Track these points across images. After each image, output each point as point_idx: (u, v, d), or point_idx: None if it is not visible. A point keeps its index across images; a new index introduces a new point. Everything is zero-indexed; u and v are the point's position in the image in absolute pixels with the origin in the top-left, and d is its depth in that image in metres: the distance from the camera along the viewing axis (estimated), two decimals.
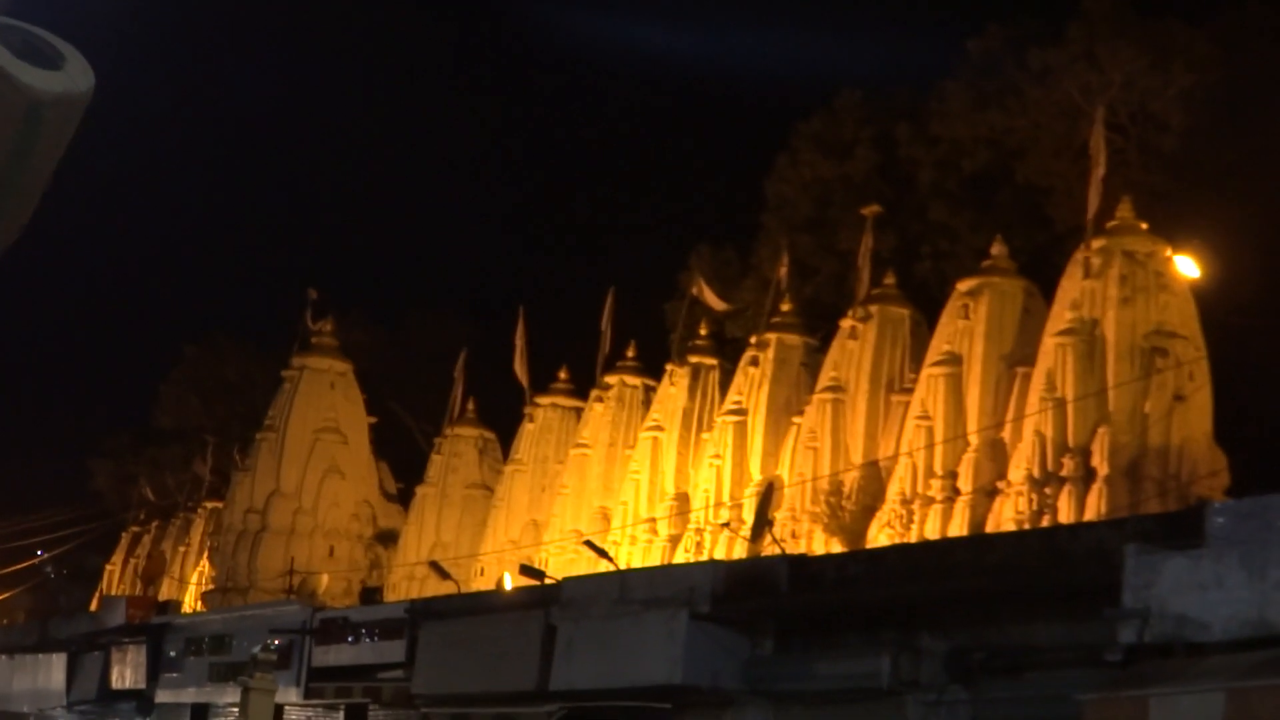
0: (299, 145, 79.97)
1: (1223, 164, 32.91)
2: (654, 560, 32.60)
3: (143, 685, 34.01)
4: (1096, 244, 27.27)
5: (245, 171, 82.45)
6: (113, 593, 52.59)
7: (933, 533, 27.42)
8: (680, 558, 31.78)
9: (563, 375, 39.64)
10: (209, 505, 50.51)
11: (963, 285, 29.55)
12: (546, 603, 23.15)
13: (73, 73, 5.89)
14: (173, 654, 33.33)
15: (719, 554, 30.44)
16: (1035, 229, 35.08)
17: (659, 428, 34.88)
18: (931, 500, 28.11)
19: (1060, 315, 27.07)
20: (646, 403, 36.60)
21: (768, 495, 27.65)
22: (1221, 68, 33.78)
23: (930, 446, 28.31)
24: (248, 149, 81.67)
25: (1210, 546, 14.48)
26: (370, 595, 35.07)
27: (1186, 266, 27.77)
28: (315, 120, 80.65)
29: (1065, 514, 25.44)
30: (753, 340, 34.11)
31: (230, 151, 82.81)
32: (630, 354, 37.69)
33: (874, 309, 31.52)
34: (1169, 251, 27.45)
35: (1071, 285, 27.22)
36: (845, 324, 31.76)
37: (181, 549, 51.62)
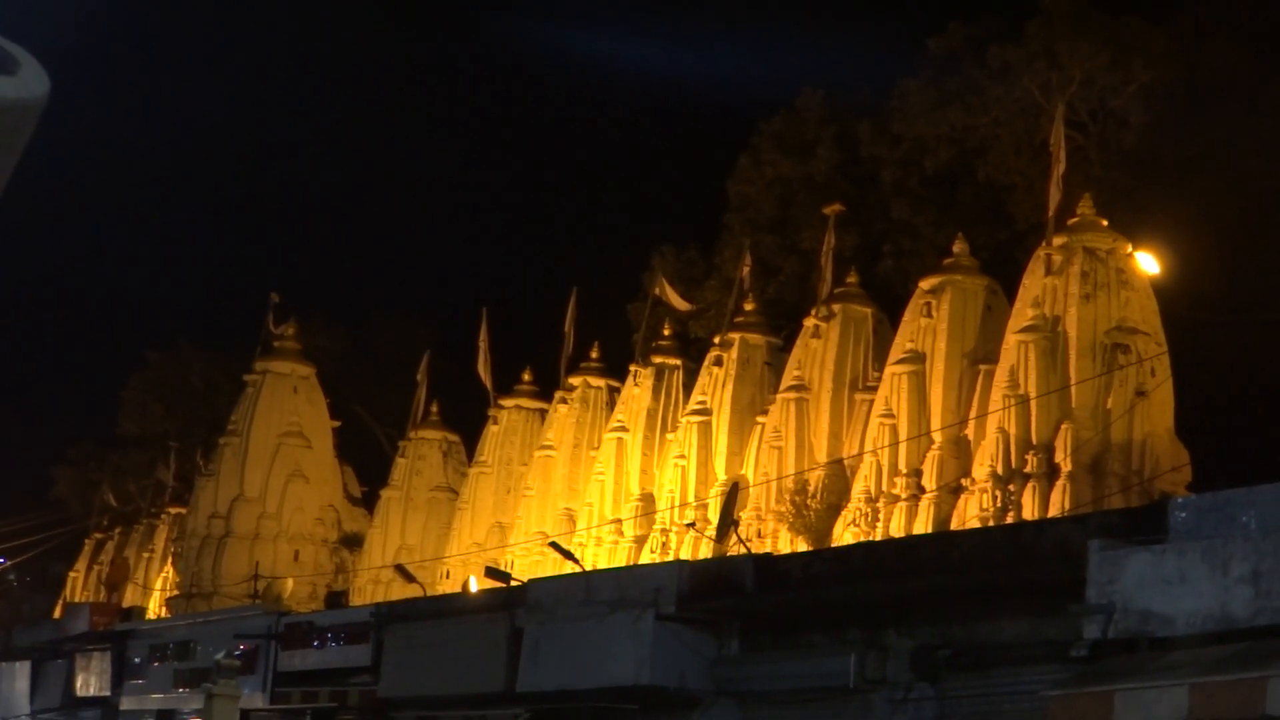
0: (260, 149, 79.71)
1: (1182, 160, 33.08)
2: (620, 561, 32.60)
3: (107, 692, 33.83)
4: (1058, 241, 27.38)
5: (206, 176, 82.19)
6: (76, 600, 52.31)
7: (898, 530, 27.48)
8: (646, 558, 31.78)
9: (526, 377, 39.62)
10: (172, 511, 50.30)
11: (925, 283, 29.62)
12: (512, 605, 23.12)
13: (27, 78, 5.82)
14: (137, 661, 33.17)
15: (685, 554, 30.46)
16: (997, 226, 35.25)
17: (623, 428, 34.88)
18: (896, 498, 28.18)
19: (1022, 312, 27.16)
20: (611, 404, 36.61)
21: (733, 495, 27.65)
22: (1180, 65, 33.97)
23: (894, 444, 28.38)
24: (209, 154, 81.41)
25: (1173, 541, 14.54)
26: (336, 599, 34.96)
27: (1147, 262, 27.91)
28: (277, 124, 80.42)
29: (1029, 510, 25.52)
30: (716, 340, 34.16)
31: (191, 156, 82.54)
32: (594, 355, 37.69)
33: (837, 308, 31.58)
34: (1130, 248, 27.58)
35: (1033, 282, 27.32)
36: (808, 323, 31.81)
37: (145, 555, 51.39)
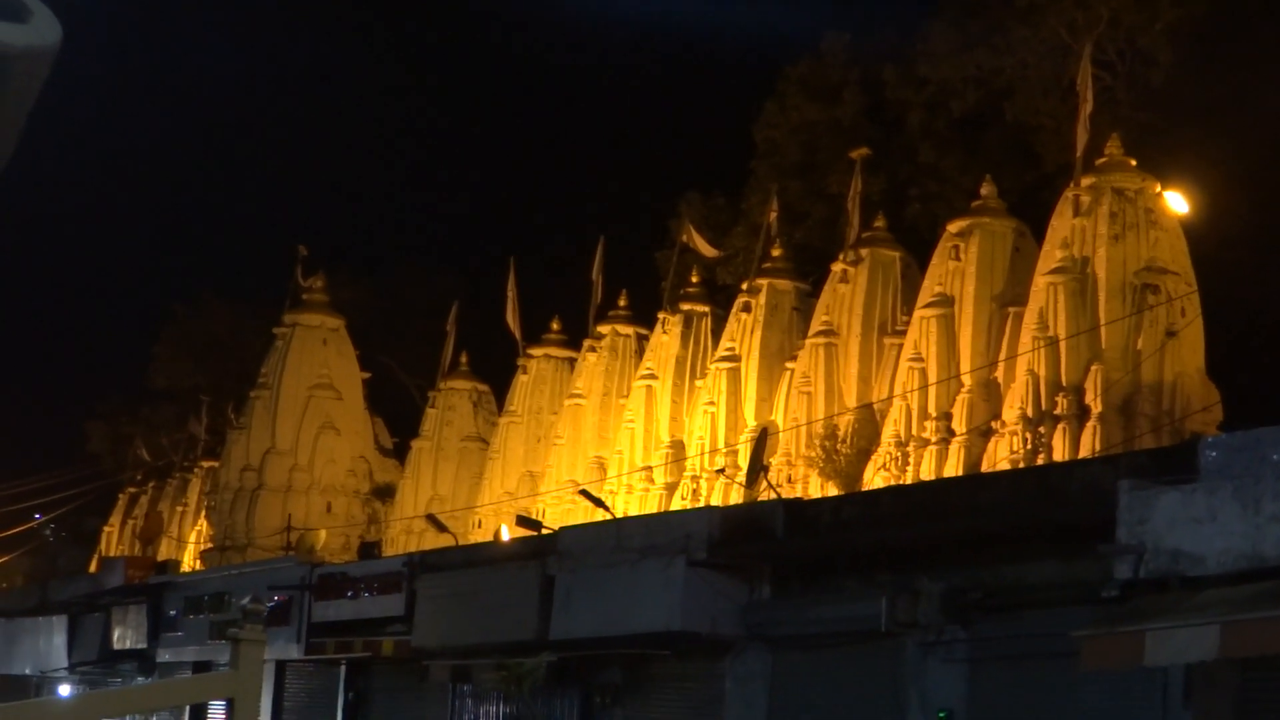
0: (286, 102, 79.73)
1: (1210, 99, 32.86)
2: (650, 508, 32.67)
3: (144, 645, 34.08)
4: (1086, 182, 27.24)
5: (233, 129, 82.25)
6: (111, 554, 52.71)
7: (928, 474, 27.47)
8: (676, 505, 31.84)
9: (555, 326, 39.64)
10: (205, 464, 50.56)
11: (953, 226, 29.52)
12: (544, 553, 23.21)
13: (39, 26, 5.79)
14: (173, 613, 33.39)
15: (715, 500, 30.50)
16: (1024, 168, 35.08)
17: (652, 376, 34.89)
18: (926, 442, 28.15)
19: (1051, 254, 27.06)
20: (639, 351, 36.61)
21: (762, 440, 27.65)
22: (1207, 2, 33.69)
23: (924, 388, 28.34)
24: (235, 107, 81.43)
25: (1204, 481, 14.53)
26: (368, 550, 35.12)
27: (1176, 202, 27.74)
28: (301, 77, 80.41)
29: (1060, 452, 25.48)
30: (744, 286, 34.11)
31: (218, 110, 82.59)
32: (622, 303, 37.68)
33: (864, 252, 31.51)
34: (1158, 187, 27.43)
35: (1061, 224, 27.20)
36: (836, 268, 31.75)
37: (179, 509, 51.71)
